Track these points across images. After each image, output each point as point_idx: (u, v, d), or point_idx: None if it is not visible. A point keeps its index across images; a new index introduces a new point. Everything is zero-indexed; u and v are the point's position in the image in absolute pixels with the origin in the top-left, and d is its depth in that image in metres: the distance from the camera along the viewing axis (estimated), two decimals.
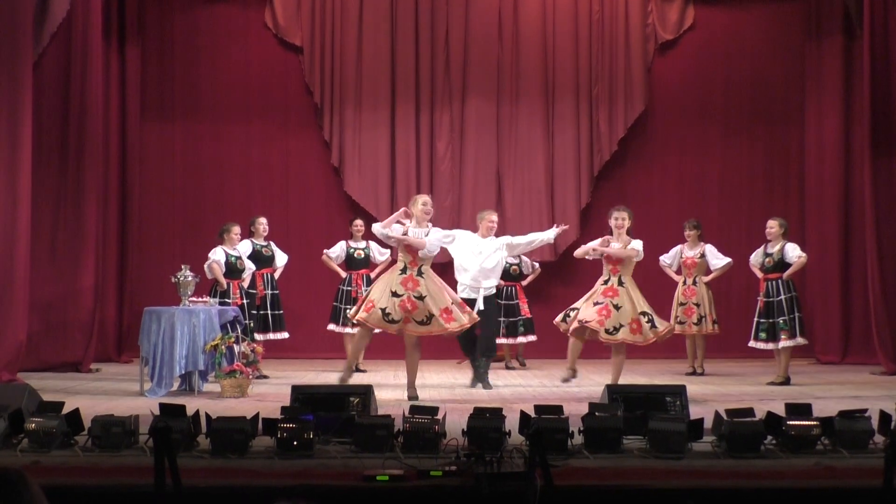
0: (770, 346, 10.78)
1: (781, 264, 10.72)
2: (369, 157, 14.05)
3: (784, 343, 10.65)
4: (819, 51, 13.63)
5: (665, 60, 14.32)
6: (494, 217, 10.72)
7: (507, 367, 12.49)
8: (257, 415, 6.49)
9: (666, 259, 12.03)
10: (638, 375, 11.26)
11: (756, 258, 11.08)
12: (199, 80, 14.19)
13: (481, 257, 10.34)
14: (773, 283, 10.74)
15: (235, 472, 5.79)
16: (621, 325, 9.34)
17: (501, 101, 14.09)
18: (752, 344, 10.97)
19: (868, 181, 12.26)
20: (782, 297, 10.67)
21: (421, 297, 9.05)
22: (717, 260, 11.82)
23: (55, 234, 11.87)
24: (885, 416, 6.52)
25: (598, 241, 9.71)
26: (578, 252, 9.87)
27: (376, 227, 9.39)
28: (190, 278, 10.00)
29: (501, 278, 12.27)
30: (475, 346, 10.38)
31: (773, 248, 10.81)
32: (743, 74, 14.26)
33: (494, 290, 10.57)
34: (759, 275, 10.98)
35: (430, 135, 14.09)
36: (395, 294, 9.05)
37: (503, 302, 12.29)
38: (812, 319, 13.53)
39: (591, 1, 14.12)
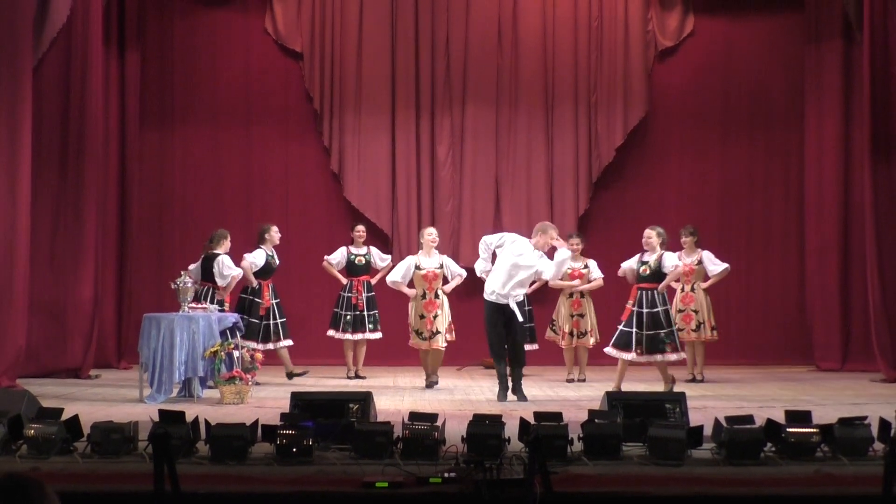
0: (628, 356, 10.15)
1: (658, 274, 10.28)
2: (369, 163, 14.05)
3: (670, 356, 10.17)
4: (818, 55, 13.61)
5: (665, 67, 14.31)
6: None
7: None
8: (256, 421, 6.48)
9: None
10: (637, 382, 11.25)
11: (630, 264, 10.55)
12: (199, 86, 14.18)
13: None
14: (648, 292, 10.23)
15: (235, 479, 5.78)
16: (587, 331, 11.61)
17: (501, 107, 14.09)
18: (608, 350, 10.41)
19: (868, 186, 12.25)
20: (658, 308, 10.19)
21: (435, 317, 10.92)
22: (714, 266, 11.74)
23: (54, 240, 11.86)
24: (884, 424, 6.52)
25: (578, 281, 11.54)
26: (556, 285, 11.55)
27: (389, 281, 11.18)
28: (189, 284, 9.98)
29: None
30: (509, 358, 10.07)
31: (651, 257, 10.31)
32: (743, 80, 14.26)
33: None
34: (630, 281, 10.51)
35: (431, 141, 14.09)
36: (422, 316, 10.95)
37: None
38: (811, 325, 13.54)
39: (591, 8, 14.12)
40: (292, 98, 14.22)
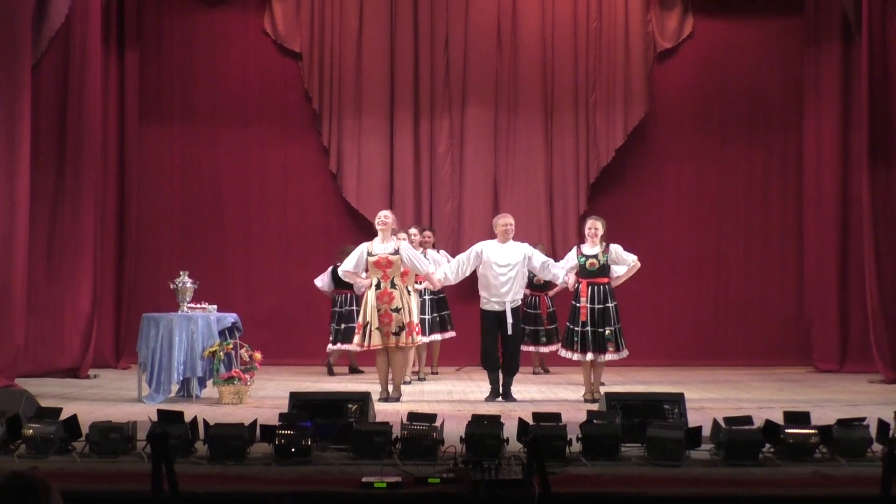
0: (577, 356, 9.85)
1: (607, 268, 9.95)
2: (368, 164, 14.03)
3: (611, 356, 9.81)
4: (817, 58, 13.61)
5: (664, 68, 14.30)
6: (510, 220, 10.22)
7: (534, 373, 12.48)
8: (255, 421, 6.49)
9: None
10: (636, 383, 11.25)
11: (572, 260, 10.02)
12: (198, 86, 14.15)
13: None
14: (601, 287, 9.85)
15: (233, 479, 5.78)
16: None
17: (500, 108, 14.07)
18: (571, 356, 9.97)
19: (866, 188, 12.25)
20: (609, 304, 9.80)
21: (397, 310, 9.64)
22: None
23: (52, 239, 11.86)
24: (882, 425, 6.52)
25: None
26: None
27: (340, 271, 10.10)
28: (188, 284, 9.96)
29: (526, 287, 11.86)
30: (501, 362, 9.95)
31: (595, 250, 9.88)
32: (741, 82, 14.25)
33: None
34: (567, 279, 9.93)
35: (430, 142, 14.07)
36: (378, 310, 9.66)
37: (528, 311, 12.15)
38: (810, 326, 13.54)
39: (590, 9, 14.10)
40: (291, 98, 14.21)
